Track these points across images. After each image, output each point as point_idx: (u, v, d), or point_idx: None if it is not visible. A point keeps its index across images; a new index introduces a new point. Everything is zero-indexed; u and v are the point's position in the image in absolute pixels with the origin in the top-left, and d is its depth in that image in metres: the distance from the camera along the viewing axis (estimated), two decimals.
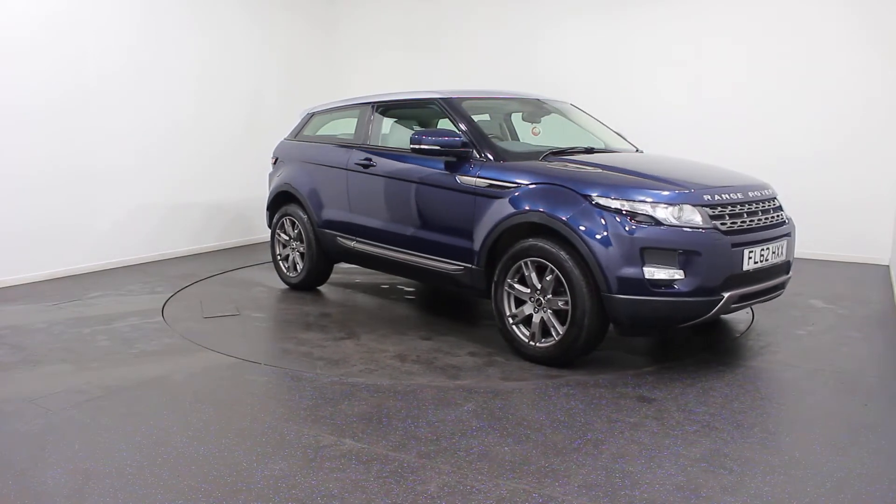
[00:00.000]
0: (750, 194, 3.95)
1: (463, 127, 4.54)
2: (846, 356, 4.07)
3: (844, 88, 6.66)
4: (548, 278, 3.86)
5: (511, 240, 4.07)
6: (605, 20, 7.75)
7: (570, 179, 3.91)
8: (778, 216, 4.09)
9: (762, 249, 3.82)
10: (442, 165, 4.49)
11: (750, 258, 3.74)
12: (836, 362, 3.95)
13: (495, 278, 4.12)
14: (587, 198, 3.75)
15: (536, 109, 5.31)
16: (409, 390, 3.54)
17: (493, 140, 4.63)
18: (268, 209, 6.13)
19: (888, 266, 6.47)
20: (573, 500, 2.47)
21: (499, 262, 4.09)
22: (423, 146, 4.41)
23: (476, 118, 4.80)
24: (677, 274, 3.56)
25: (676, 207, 3.64)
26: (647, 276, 3.56)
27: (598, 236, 3.65)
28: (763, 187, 4.14)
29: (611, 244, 3.61)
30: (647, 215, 3.62)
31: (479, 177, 4.27)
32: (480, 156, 4.35)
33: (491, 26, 8.40)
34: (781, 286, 4.12)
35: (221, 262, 6.95)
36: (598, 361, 4.03)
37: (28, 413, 3.26)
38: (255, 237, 8.29)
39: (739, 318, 4.80)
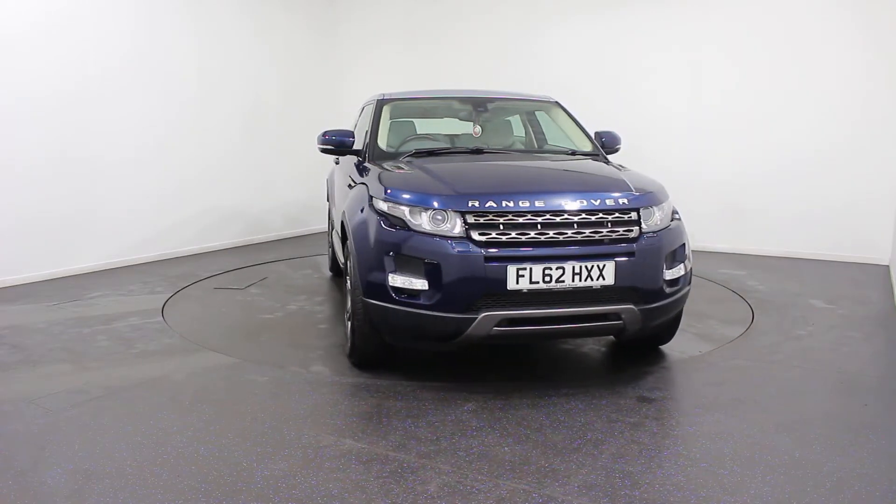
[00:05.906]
0: (564, 204, 3.37)
1: (368, 127, 4.63)
2: (846, 356, 4.06)
3: (844, 89, 6.66)
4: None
5: None
6: (604, 22, 7.75)
7: (370, 180, 3.83)
8: (614, 232, 3.41)
9: (548, 268, 3.28)
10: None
11: (521, 276, 3.26)
12: (836, 362, 3.95)
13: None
14: (371, 199, 3.67)
15: (476, 108, 5.07)
16: (409, 390, 3.54)
17: (383, 139, 4.56)
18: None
19: (888, 266, 6.47)
20: (573, 500, 2.47)
21: None
22: (320, 145, 4.54)
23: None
24: (422, 284, 3.35)
25: (433, 212, 3.40)
26: (390, 283, 3.41)
27: (360, 237, 3.59)
28: (608, 196, 3.47)
29: (367, 247, 3.53)
30: (401, 219, 3.46)
31: (349, 176, 4.40)
32: (363, 155, 4.43)
33: (490, 26, 8.40)
34: (610, 316, 3.40)
35: (222, 262, 6.94)
36: (598, 361, 4.03)
37: (28, 413, 3.26)
38: (257, 237, 8.30)
39: (739, 319, 4.80)
